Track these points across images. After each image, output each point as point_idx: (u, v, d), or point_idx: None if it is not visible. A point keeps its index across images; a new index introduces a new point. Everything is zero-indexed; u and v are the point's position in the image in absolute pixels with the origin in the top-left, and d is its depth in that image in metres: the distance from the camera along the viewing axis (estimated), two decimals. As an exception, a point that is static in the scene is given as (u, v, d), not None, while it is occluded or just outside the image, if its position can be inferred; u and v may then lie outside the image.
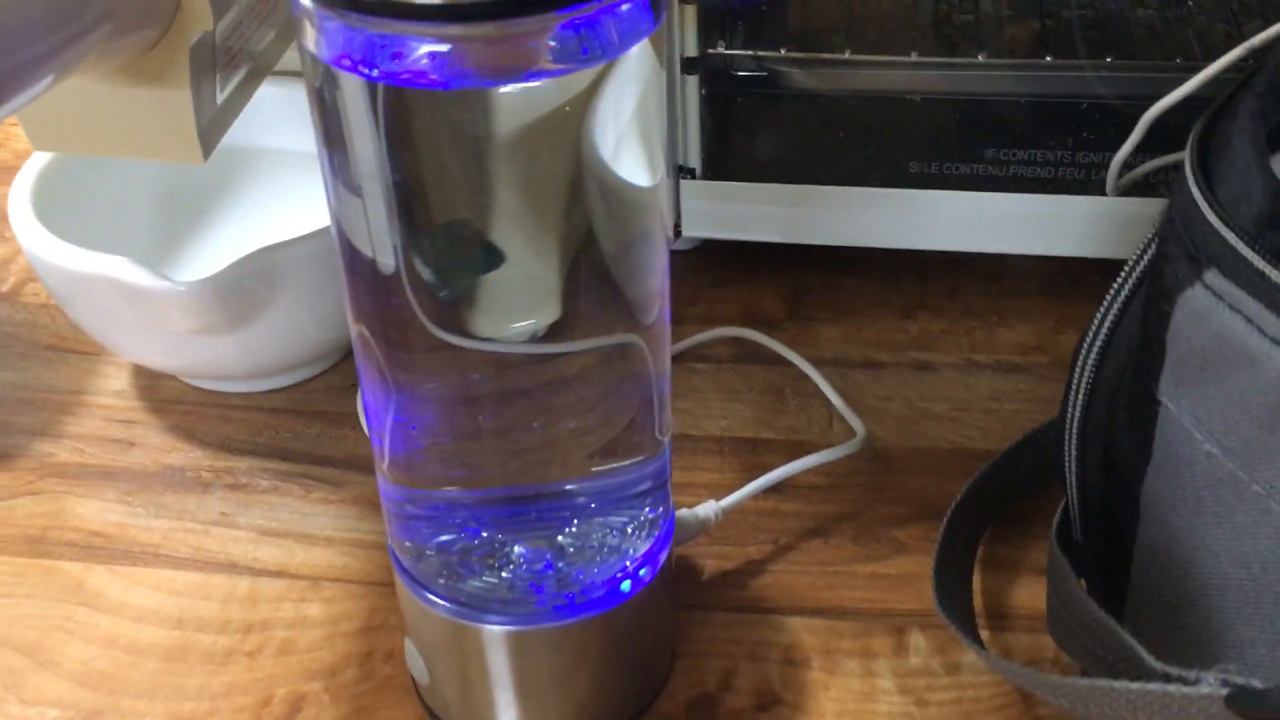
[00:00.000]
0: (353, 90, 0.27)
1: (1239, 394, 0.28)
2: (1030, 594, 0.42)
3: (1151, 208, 0.51)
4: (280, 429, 0.50)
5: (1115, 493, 0.34)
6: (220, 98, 0.43)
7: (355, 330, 0.33)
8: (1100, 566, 0.36)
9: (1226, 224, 0.29)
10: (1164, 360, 0.30)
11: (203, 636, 0.41)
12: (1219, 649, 0.30)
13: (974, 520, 0.43)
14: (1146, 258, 0.36)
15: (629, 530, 0.36)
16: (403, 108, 0.27)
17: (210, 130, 0.42)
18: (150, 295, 0.44)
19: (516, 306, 0.31)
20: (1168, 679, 0.27)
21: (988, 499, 0.43)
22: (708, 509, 0.42)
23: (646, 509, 0.36)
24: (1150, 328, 0.31)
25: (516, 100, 0.27)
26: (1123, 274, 0.36)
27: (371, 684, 0.40)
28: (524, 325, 0.31)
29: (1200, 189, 0.30)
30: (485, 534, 0.36)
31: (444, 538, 0.36)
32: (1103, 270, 0.54)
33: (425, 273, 0.30)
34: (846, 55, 0.53)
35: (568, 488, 0.35)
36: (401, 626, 0.41)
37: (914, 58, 0.53)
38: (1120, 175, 0.46)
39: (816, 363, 0.51)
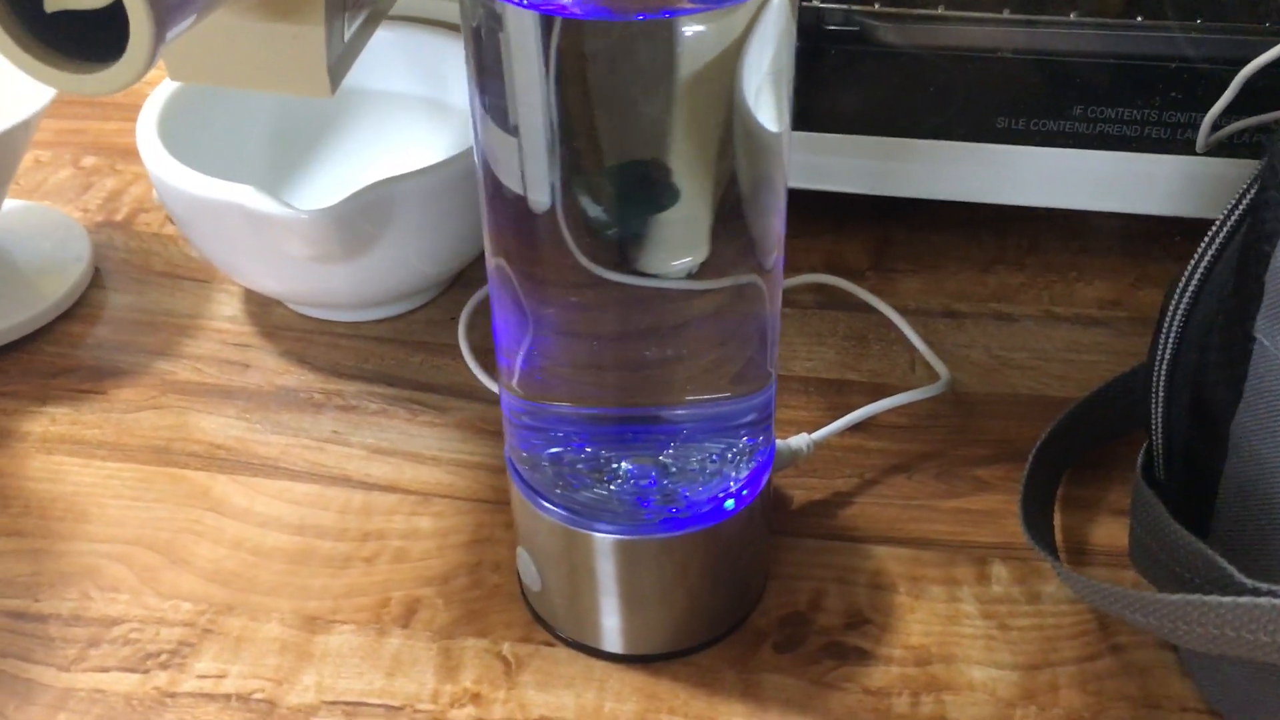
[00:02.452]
0: (521, 28, 0.29)
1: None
2: (1108, 532, 0.44)
3: (1235, 168, 0.53)
4: (385, 356, 0.52)
5: (1204, 431, 0.36)
6: (347, 35, 0.45)
7: (494, 262, 0.35)
8: (1184, 502, 0.38)
9: (1329, 170, 0.30)
10: (1261, 299, 0.32)
11: (322, 542, 0.44)
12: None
13: (1056, 461, 0.45)
14: (1243, 205, 0.37)
15: (732, 455, 0.38)
16: (577, 46, 0.29)
17: (337, 67, 0.44)
18: (272, 221, 0.47)
19: (680, 244, 0.33)
20: (1258, 593, 0.29)
21: (1070, 441, 0.45)
22: (800, 440, 0.44)
23: (750, 437, 0.38)
24: (1249, 268, 0.33)
25: (685, 41, 0.29)
26: (1218, 222, 0.37)
27: (481, 590, 0.42)
28: (683, 263, 0.33)
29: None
30: (598, 450, 0.38)
31: (558, 449, 0.38)
32: (1183, 229, 0.56)
33: (595, 211, 0.32)
34: (939, 11, 0.55)
35: (679, 413, 0.37)
36: (510, 539, 0.44)
37: (1005, 14, 0.54)
38: (1210, 134, 0.48)
39: (899, 310, 0.53)
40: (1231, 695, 0.36)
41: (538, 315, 0.35)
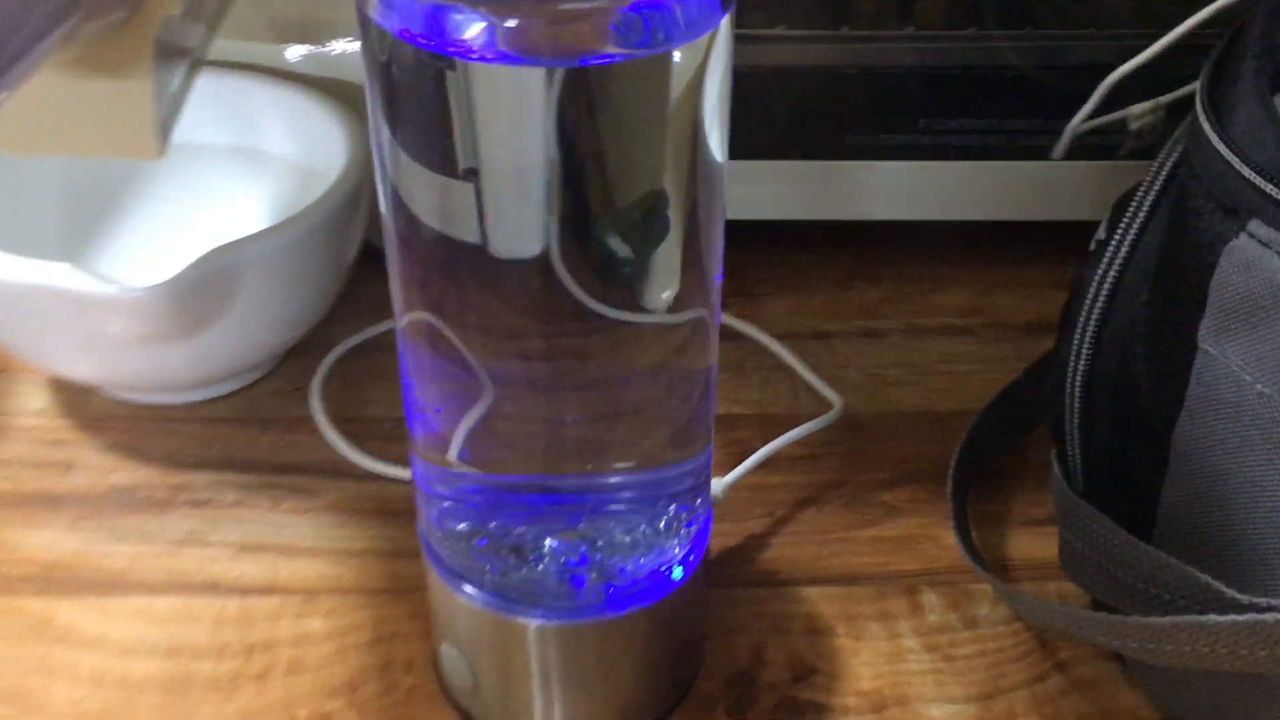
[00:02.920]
0: (489, 76, 0.26)
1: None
2: (1024, 545, 0.43)
3: (1078, 171, 0.54)
4: (231, 439, 0.47)
5: (1136, 443, 0.36)
6: (173, 89, 0.40)
7: (408, 319, 0.31)
8: (1112, 513, 0.38)
9: (1267, 178, 0.30)
10: (1205, 309, 0.32)
11: (201, 664, 0.39)
12: (1271, 578, 0.32)
13: (964, 478, 0.44)
14: (1143, 211, 0.37)
15: (669, 525, 0.36)
16: (575, 90, 0.26)
17: (166, 124, 0.39)
18: (95, 302, 0.41)
19: (665, 277, 0.30)
20: (1257, 609, 0.29)
21: (972, 456, 0.45)
22: (716, 487, 0.42)
23: (686, 504, 0.36)
24: (1186, 278, 0.33)
25: (663, 75, 0.27)
26: (1120, 232, 0.38)
27: (397, 695, 0.38)
28: (668, 295, 0.30)
29: (1228, 145, 0.32)
30: (524, 523, 0.35)
31: (478, 524, 0.34)
32: (1025, 232, 0.56)
33: (608, 250, 0.29)
34: (779, 30, 0.54)
35: (614, 480, 0.34)
36: (417, 631, 0.40)
37: (844, 31, 0.54)
38: (1066, 141, 0.48)
39: (771, 335, 0.52)
40: (1192, 702, 0.36)
41: (468, 374, 0.31)
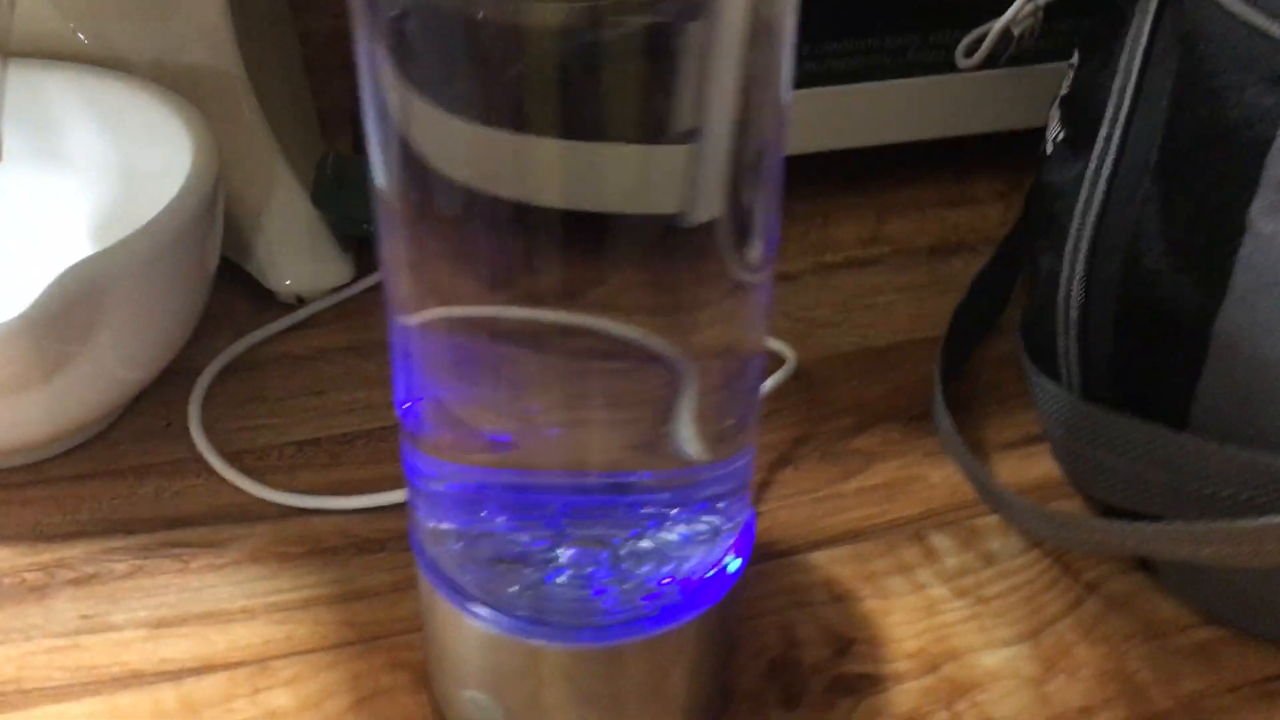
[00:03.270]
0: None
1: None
2: (1008, 470, 0.41)
3: (951, 85, 0.53)
4: (104, 497, 0.39)
5: (1161, 341, 0.34)
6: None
7: (421, 315, 0.26)
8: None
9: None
10: (1257, 188, 0.30)
11: (153, 773, 0.32)
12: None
13: (950, 399, 0.42)
14: (1123, 109, 0.36)
15: (720, 526, 0.31)
16: None
17: None
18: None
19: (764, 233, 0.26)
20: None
21: (945, 380, 0.42)
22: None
23: (742, 498, 0.32)
24: (1227, 160, 0.31)
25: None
26: (1104, 128, 0.36)
27: (406, 762, 0.32)
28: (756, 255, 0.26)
29: (1267, 14, 0.30)
30: (553, 533, 0.30)
31: (524, 535, 0.29)
32: (905, 154, 0.55)
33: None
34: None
35: (660, 479, 0.30)
36: (405, 681, 0.34)
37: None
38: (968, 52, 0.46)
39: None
40: (1238, 603, 0.35)
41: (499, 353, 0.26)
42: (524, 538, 0.30)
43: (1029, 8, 0.48)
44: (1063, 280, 0.37)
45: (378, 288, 0.47)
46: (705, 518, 0.31)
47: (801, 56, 0.51)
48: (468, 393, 0.27)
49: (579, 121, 0.24)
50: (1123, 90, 0.36)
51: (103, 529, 0.38)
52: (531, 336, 0.26)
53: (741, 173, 0.25)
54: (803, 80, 0.51)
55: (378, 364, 0.45)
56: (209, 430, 0.41)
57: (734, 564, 0.31)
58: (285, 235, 0.47)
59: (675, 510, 0.30)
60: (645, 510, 0.30)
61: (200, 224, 0.38)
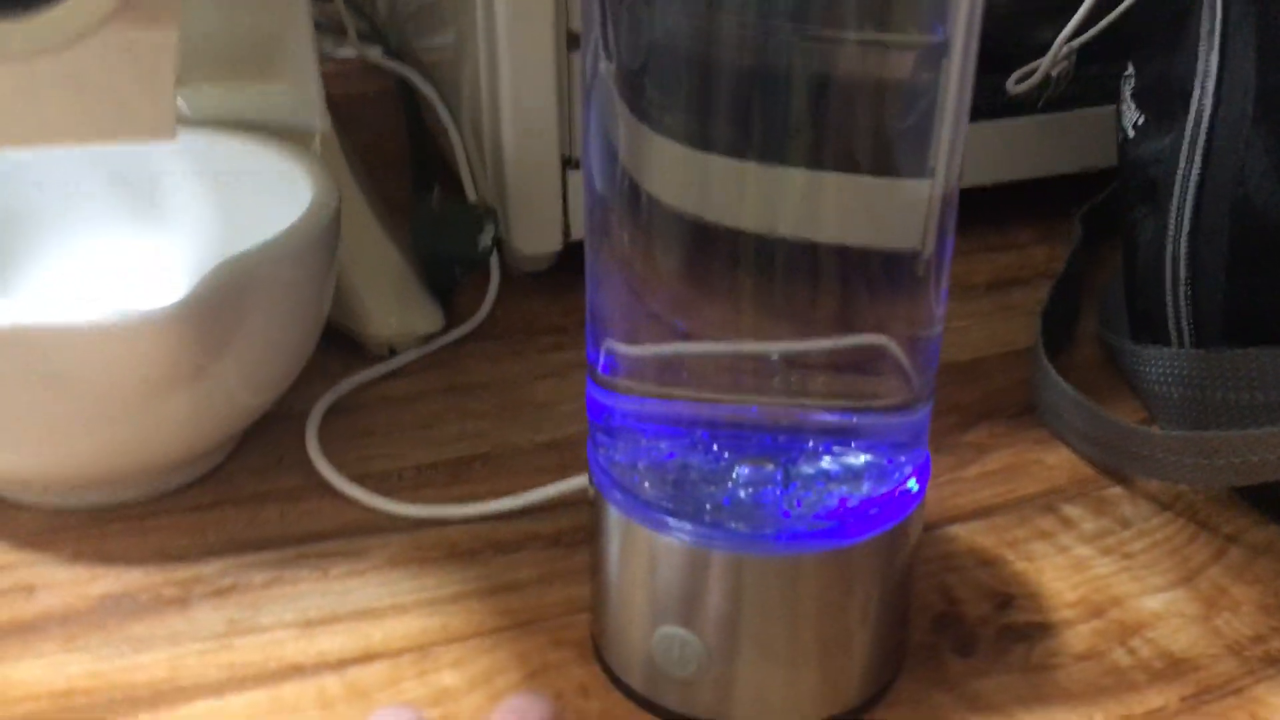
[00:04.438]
0: None
1: None
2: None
3: (993, 133, 0.56)
4: (227, 523, 0.38)
5: (1272, 269, 0.36)
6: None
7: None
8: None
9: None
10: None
11: (333, 750, 0.30)
12: None
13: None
14: (1210, 74, 0.38)
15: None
16: None
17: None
18: (81, 338, 0.33)
19: None
20: None
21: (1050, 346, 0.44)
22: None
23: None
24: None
25: None
26: (1196, 95, 0.38)
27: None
28: None
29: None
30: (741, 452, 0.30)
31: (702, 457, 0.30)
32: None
33: None
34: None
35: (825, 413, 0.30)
36: (579, 658, 0.33)
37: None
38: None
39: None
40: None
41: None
42: (702, 457, 0.30)
43: (1065, 49, 0.52)
44: (1169, 239, 0.38)
45: (468, 337, 0.48)
46: (872, 455, 0.31)
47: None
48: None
49: (826, 155, 0.26)
50: (1208, 57, 0.38)
51: (233, 548, 0.37)
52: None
53: (947, 211, 0.27)
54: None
55: (479, 400, 0.45)
56: (332, 454, 0.41)
57: (914, 485, 0.31)
58: (376, 285, 0.47)
59: (844, 446, 0.31)
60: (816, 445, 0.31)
61: (330, 234, 0.39)
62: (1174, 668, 0.33)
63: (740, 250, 0.28)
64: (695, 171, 0.27)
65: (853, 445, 0.31)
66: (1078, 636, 0.34)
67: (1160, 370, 0.40)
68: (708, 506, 0.30)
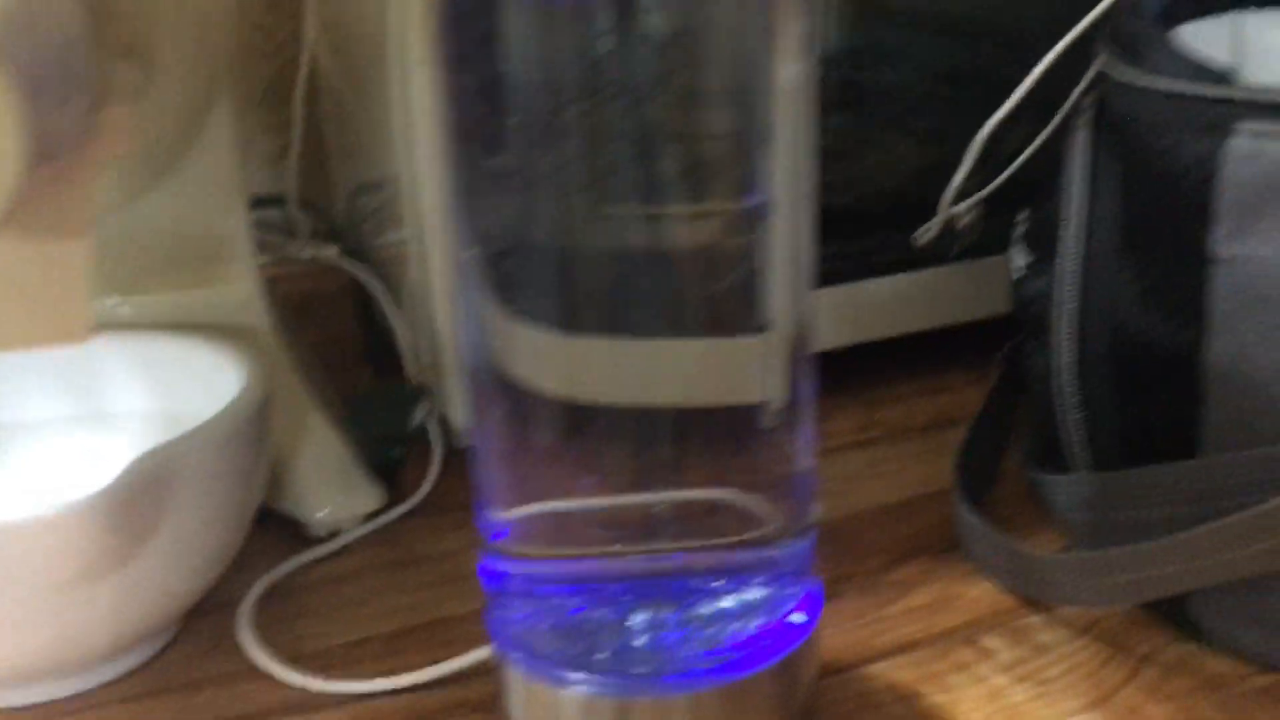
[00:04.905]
0: None
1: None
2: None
3: (907, 285, 0.58)
4: (158, 711, 0.39)
5: (1158, 396, 0.37)
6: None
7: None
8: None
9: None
10: (1214, 218, 0.34)
11: None
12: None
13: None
14: (1073, 207, 0.40)
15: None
16: None
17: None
18: (13, 533, 0.34)
19: None
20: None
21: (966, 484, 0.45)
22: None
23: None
24: (1181, 206, 0.35)
25: None
26: (1071, 229, 0.40)
27: None
28: None
29: (1186, 77, 0.35)
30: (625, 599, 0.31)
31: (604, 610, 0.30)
32: (875, 352, 0.59)
33: None
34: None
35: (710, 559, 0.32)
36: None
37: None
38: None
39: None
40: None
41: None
42: (603, 611, 0.31)
43: (969, 203, 0.55)
44: (1054, 369, 0.40)
45: (411, 512, 0.49)
46: (759, 590, 0.32)
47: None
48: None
49: (664, 322, 0.28)
50: (1080, 193, 0.40)
51: (164, 735, 0.38)
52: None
53: (797, 361, 0.29)
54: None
55: (419, 573, 0.46)
56: (261, 642, 0.42)
57: (800, 617, 0.32)
58: (317, 470, 0.49)
59: (730, 583, 0.32)
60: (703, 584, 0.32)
61: (257, 423, 0.41)
62: (1083, 790, 0.33)
63: (600, 416, 0.29)
64: (541, 348, 0.28)
65: (741, 582, 0.32)
66: (990, 766, 0.34)
67: (1065, 496, 0.41)
68: (606, 656, 0.31)
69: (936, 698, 0.37)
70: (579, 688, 0.30)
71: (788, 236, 0.29)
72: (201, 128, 0.46)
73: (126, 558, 0.36)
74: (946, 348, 0.60)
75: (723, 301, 0.28)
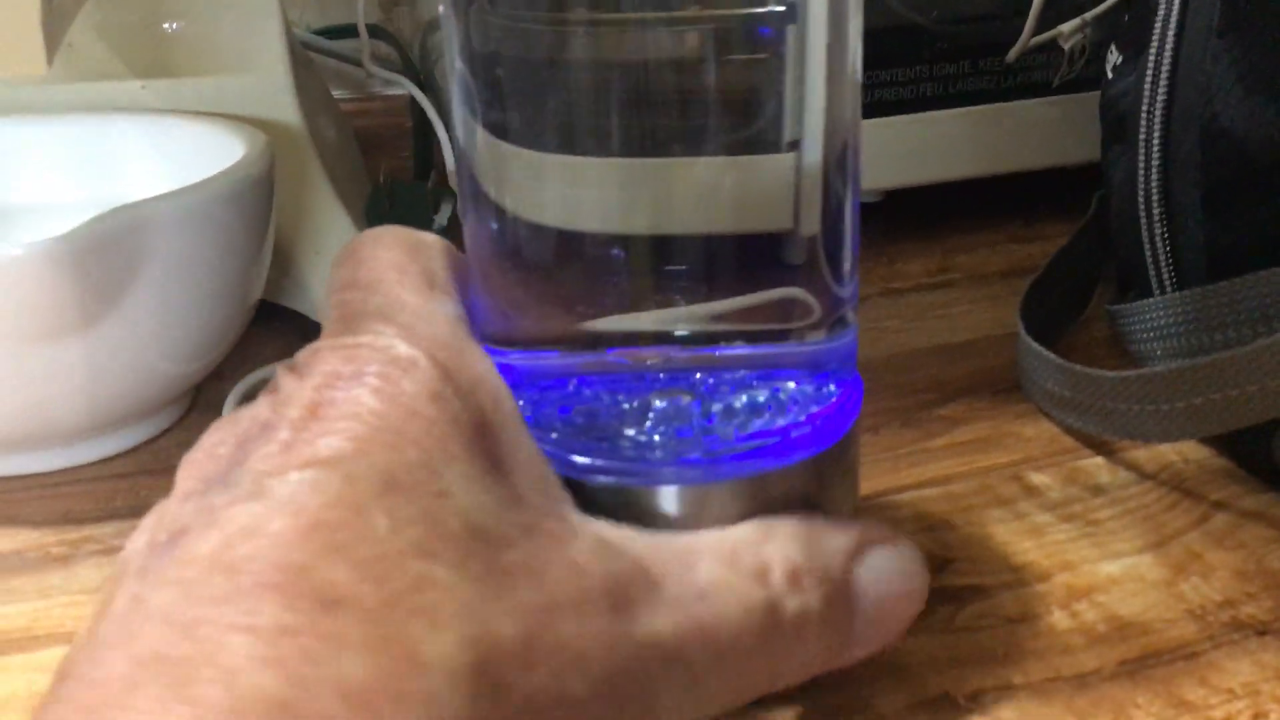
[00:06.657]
0: None
1: None
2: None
3: (1011, 114, 0.52)
4: (140, 490, 0.37)
5: (1258, 187, 0.32)
6: None
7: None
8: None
9: None
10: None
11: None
12: None
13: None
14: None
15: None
16: None
17: (53, 31, 0.32)
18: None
19: None
20: None
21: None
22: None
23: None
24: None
25: None
26: (1160, 13, 0.35)
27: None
28: None
29: None
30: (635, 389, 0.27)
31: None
32: (963, 193, 0.53)
33: None
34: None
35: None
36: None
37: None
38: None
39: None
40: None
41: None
42: (614, 399, 0.27)
43: (1076, 22, 0.48)
44: (1140, 173, 0.35)
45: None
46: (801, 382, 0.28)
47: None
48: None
49: (686, 139, 0.24)
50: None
51: (135, 513, 0.36)
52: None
53: (833, 185, 0.25)
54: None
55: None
56: (253, 428, 0.39)
57: (842, 406, 0.28)
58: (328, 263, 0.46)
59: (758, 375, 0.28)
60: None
61: (252, 199, 0.38)
62: (1119, 631, 0.29)
63: (622, 243, 0.25)
64: (543, 174, 0.25)
65: (773, 374, 0.28)
66: (1014, 599, 0.30)
67: (1145, 324, 0.35)
68: (625, 445, 0.27)
69: (967, 530, 0.33)
70: (596, 478, 0.27)
71: (826, 43, 0.24)
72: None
73: (94, 316, 0.34)
74: (1042, 193, 0.54)
75: (745, 114, 0.24)
